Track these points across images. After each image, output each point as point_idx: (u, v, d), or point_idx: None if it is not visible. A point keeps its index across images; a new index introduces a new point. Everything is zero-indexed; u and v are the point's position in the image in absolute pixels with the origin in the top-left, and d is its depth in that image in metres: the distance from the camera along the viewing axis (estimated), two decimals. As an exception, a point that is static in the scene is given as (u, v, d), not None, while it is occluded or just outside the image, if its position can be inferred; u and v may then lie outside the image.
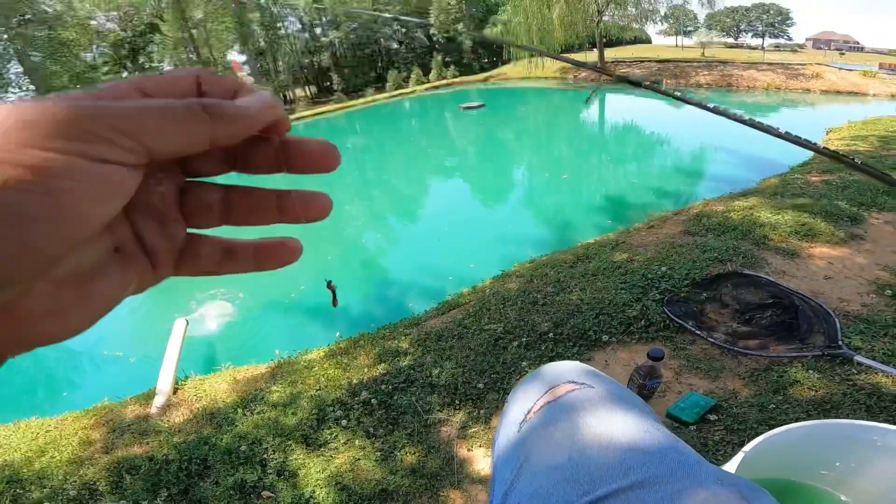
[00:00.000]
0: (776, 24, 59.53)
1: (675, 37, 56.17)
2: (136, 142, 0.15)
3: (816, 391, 1.75)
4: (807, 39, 68.69)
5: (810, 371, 1.85)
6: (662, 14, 23.97)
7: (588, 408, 0.46)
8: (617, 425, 0.44)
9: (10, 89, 25.21)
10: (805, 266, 2.72)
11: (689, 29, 59.25)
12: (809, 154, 6.56)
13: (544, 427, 0.46)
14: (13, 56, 24.27)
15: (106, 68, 29.29)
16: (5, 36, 23.37)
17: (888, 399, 1.65)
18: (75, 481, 2.02)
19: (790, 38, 60.81)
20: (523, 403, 0.52)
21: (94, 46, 28.37)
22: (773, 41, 59.95)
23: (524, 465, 0.44)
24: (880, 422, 0.78)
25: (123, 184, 0.15)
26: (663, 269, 2.77)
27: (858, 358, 1.84)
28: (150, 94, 0.18)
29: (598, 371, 0.56)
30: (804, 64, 18.73)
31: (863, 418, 1.40)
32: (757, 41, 60.37)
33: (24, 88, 25.32)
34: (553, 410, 0.48)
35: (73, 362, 4.89)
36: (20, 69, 24.75)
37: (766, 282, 2.53)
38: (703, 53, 29.41)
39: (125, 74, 31.73)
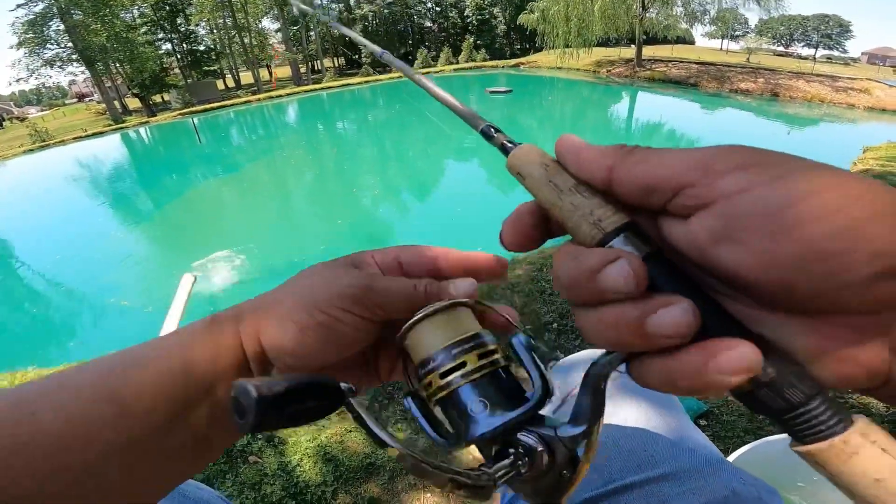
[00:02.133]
0: (833, 36, 56.87)
1: (720, 40, 54.16)
2: (385, 312, 0.26)
3: None
4: (862, 53, 65.55)
5: None
6: (712, 16, 22.95)
7: (624, 398, 0.47)
8: (650, 417, 0.44)
9: (49, 46, 25.65)
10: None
11: (737, 33, 57.02)
12: (857, 154, 6.33)
13: None
14: (56, 14, 24.51)
15: (144, 28, 29.54)
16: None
17: (875, 419, 1.63)
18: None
19: (845, 51, 58.12)
20: (561, 388, 0.52)
21: (136, 7, 28.50)
22: (826, 53, 57.43)
23: None
24: None
25: (370, 332, 0.26)
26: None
27: None
28: (406, 267, 0.29)
29: None
30: (854, 78, 17.89)
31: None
32: (808, 51, 57.91)
33: (63, 46, 25.72)
34: None
35: (81, 312, 5.01)
36: (61, 26, 25.03)
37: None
38: (748, 59, 28.36)
39: (161, 35, 32.00)
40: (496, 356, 0.23)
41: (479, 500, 0.19)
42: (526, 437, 0.20)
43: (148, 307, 4.63)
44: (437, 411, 0.24)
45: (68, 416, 0.19)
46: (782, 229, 0.14)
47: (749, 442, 0.80)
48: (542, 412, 0.22)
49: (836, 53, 57.22)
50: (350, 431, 1.81)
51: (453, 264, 0.29)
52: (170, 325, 3.01)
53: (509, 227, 0.24)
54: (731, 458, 0.80)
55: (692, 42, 47.73)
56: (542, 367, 0.22)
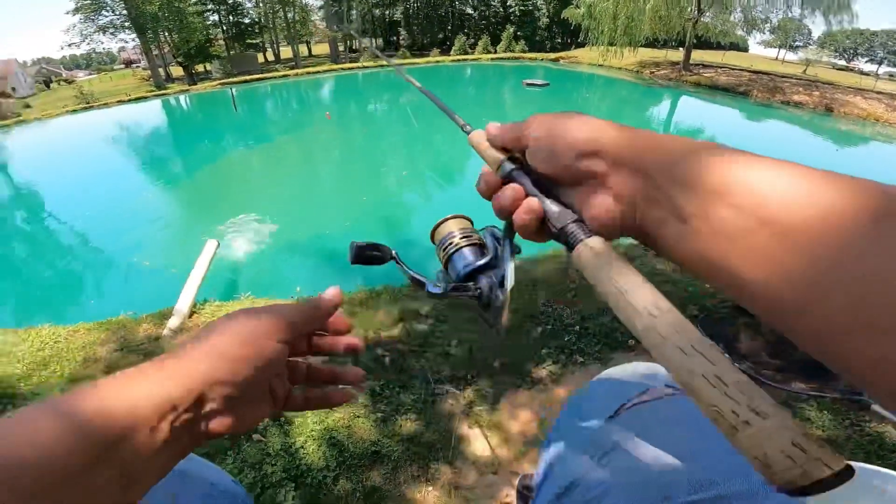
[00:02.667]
0: (899, 52, 53.57)
1: (777, 49, 51.65)
2: (300, 332, 0.34)
3: (823, 430, 1.71)
4: (931, 72, 61.59)
5: (824, 411, 1.79)
6: (774, 24, 21.75)
7: (687, 416, 0.47)
8: (707, 439, 0.44)
9: (104, 13, 26.41)
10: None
11: (797, 44, 54.24)
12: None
13: (638, 426, 0.47)
14: None
15: None
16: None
17: (888, 448, 1.61)
18: None
19: (914, 69, 54.62)
20: (614, 398, 0.52)
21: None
22: (890, 69, 54.08)
23: (608, 459, 0.45)
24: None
25: (287, 352, 0.33)
26: (708, 285, 2.62)
27: (875, 406, 1.78)
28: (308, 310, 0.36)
29: None
30: (918, 97, 16.79)
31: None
32: (871, 67, 54.65)
33: (118, 13, 26.45)
34: (650, 411, 0.48)
35: (105, 270, 5.10)
36: None
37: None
38: (804, 71, 26.93)
39: (209, 6, 32.53)
40: (475, 237, 0.40)
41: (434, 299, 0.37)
42: (482, 278, 0.37)
43: (171, 268, 4.71)
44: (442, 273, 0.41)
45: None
46: (550, 146, 0.30)
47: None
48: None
49: (902, 70, 53.84)
50: (358, 417, 1.77)
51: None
52: (191, 287, 3.06)
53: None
54: None
55: (745, 49, 45.67)
56: (498, 244, 0.37)
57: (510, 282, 0.34)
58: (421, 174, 8.15)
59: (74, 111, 21.21)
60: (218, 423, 0.29)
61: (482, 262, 0.37)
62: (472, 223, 0.42)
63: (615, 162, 0.27)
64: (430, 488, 1.54)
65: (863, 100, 16.17)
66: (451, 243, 0.39)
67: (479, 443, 1.69)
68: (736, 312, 2.42)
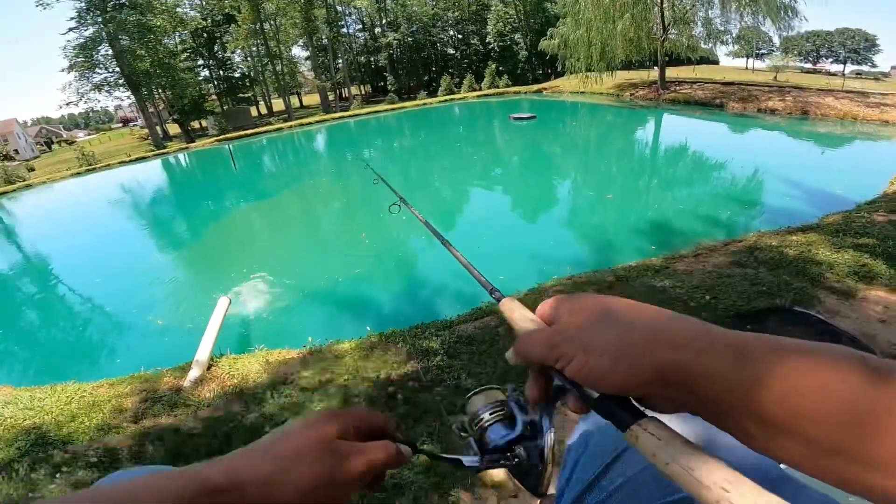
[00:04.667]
0: (860, 51, 55.44)
1: (745, 59, 53.42)
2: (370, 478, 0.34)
3: None
4: (892, 67, 63.45)
5: None
6: (734, 35, 22.69)
7: (694, 426, 0.47)
8: (718, 435, 0.47)
9: (98, 70, 27.56)
10: (860, 308, 2.58)
11: (762, 52, 56.18)
12: (879, 191, 6.13)
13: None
14: (105, 39, 26.36)
15: (184, 55, 31.47)
16: (100, 19, 25.46)
17: None
18: (98, 448, 2.08)
19: (874, 66, 56.40)
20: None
21: (177, 33, 30.42)
22: (855, 68, 55.89)
23: (625, 454, 0.47)
24: None
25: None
26: (707, 297, 2.71)
27: None
28: (358, 431, 0.35)
29: None
30: (886, 93, 17.30)
31: None
32: (837, 67, 56.45)
33: (111, 70, 27.60)
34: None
35: (121, 330, 5.19)
36: (109, 51, 26.89)
37: (815, 320, 2.43)
38: (775, 77, 27.89)
39: (199, 62, 34.00)
40: (502, 412, 0.40)
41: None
42: (519, 448, 0.37)
43: (185, 326, 4.81)
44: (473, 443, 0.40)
45: None
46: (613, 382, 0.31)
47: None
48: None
49: (865, 68, 55.54)
50: None
51: (391, 427, 0.39)
52: (207, 341, 3.17)
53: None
54: None
55: (716, 62, 47.26)
56: (524, 416, 0.38)
57: (548, 452, 0.35)
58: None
59: (78, 174, 21.73)
60: None
61: (513, 436, 0.37)
62: (502, 392, 0.43)
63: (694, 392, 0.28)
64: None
65: (834, 100, 16.62)
66: (481, 419, 0.39)
67: (496, 470, 1.73)
68: (740, 322, 2.50)
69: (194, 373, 2.72)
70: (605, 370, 0.29)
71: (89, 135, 57.63)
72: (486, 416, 0.39)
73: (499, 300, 0.45)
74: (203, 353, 2.96)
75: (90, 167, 22.63)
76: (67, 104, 28.75)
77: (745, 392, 0.25)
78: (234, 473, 0.28)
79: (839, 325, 2.37)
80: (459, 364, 2.38)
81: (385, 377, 2.34)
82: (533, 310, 0.39)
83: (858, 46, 55.96)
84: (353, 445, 0.33)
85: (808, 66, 56.75)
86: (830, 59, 58.85)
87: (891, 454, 0.21)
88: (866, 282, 2.82)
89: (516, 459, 0.36)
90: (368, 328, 3.64)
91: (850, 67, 56.14)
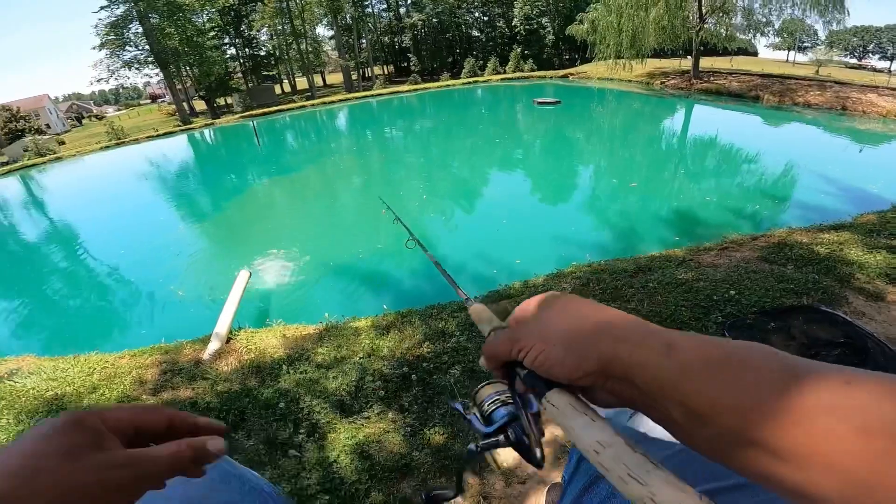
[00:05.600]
0: (910, 48, 52.37)
1: (786, 52, 51.09)
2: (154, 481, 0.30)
3: None
4: (944, 66, 59.84)
5: None
6: (776, 27, 21.56)
7: None
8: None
9: (128, 48, 28.04)
10: (888, 310, 2.49)
11: (805, 45, 53.55)
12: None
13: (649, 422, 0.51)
14: (135, 17, 26.74)
15: (212, 33, 31.71)
16: (131, -3, 25.81)
17: None
18: None
19: (925, 63, 53.26)
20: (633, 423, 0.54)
21: (205, 12, 30.61)
22: (903, 65, 52.86)
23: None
24: None
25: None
26: (732, 292, 2.65)
27: None
28: (140, 429, 0.32)
29: None
30: (935, 92, 16.33)
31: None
32: (884, 64, 53.55)
33: (141, 48, 28.07)
34: None
35: (143, 301, 5.31)
36: (139, 29, 27.29)
37: (841, 321, 2.36)
38: (817, 72, 26.58)
39: (226, 40, 34.23)
40: (500, 399, 0.43)
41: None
42: (509, 429, 0.39)
43: (205, 298, 4.92)
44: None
45: None
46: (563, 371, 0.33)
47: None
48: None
49: (914, 65, 52.49)
50: (388, 432, 1.84)
51: (184, 425, 0.34)
52: (227, 314, 3.21)
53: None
54: None
55: (755, 54, 45.31)
56: (517, 405, 0.40)
57: (526, 425, 0.38)
58: (442, 197, 8.31)
59: (107, 147, 22.31)
60: None
61: (503, 421, 0.42)
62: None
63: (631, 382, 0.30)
64: (460, 499, 1.57)
65: (878, 96, 15.76)
66: (482, 407, 0.44)
67: (504, 454, 1.72)
68: (764, 318, 2.46)
69: (214, 345, 2.75)
70: (557, 358, 0.32)
71: (119, 110, 58.86)
72: (486, 405, 0.44)
73: (469, 306, 0.49)
74: (222, 326, 3.00)
75: (119, 141, 23.18)
76: (98, 81, 29.59)
77: (671, 381, 0.26)
78: None
79: (864, 328, 2.30)
80: (474, 347, 2.37)
81: (400, 357, 2.34)
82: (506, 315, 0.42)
83: (909, 43, 52.83)
84: (110, 457, 0.27)
85: (854, 61, 53.99)
86: (878, 56, 55.85)
87: (799, 445, 0.22)
88: (899, 284, 2.73)
89: (508, 439, 0.39)
90: (385, 306, 3.68)
91: (896, 64, 53.10)
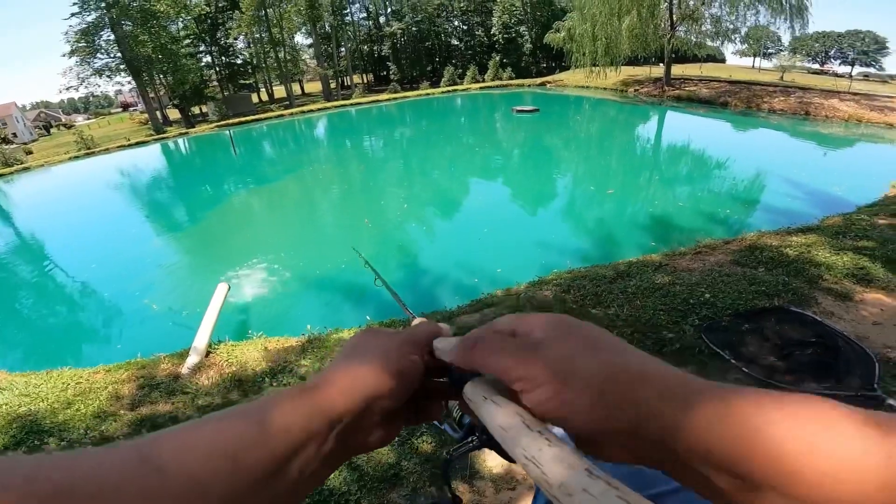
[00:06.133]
0: (869, 53, 55.12)
1: (752, 58, 53.15)
2: (424, 351, 0.35)
3: None
4: (900, 70, 63.23)
5: None
6: (743, 34, 22.45)
7: None
8: None
9: (99, 55, 27.27)
10: (855, 310, 2.60)
11: (769, 51, 55.81)
12: (880, 194, 6.15)
13: None
14: (107, 24, 26.07)
15: (187, 41, 31.17)
16: (103, 4, 25.14)
17: None
18: (95, 435, 2.06)
19: (882, 68, 56.12)
20: None
21: (180, 19, 30.09)
22: (863, 70, 55.65)
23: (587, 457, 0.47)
24: None
25: (421, 374, 0.34)
26: (707, 295, 2.73)
27: (891, 401, 1.80)
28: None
29: None
30: (892, 96, 17.24)
31: None
32: (845, 69, 56.16)
33: (112, 55, 27.33)
34: None
35: (118, 316, 5.16)
36: (111, 37, 26.61)
37: (811, 320, 2.45)
38: (781, 77, 27.75)
39: (202, 48, 33.70)
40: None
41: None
42: (478, 431, 0.38)
43: (182, 311, 4.80)
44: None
45: (189, 472, 0.22)
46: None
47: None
48: None
49: (873, 70, 55.35)
50: None
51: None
52: (206, 328, 3.15)
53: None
54: None
55: (723, 60, 47.01)
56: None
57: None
58: (422, 206, 8.32)
59: (77, 157, 21.60)
60: (374, 436, 0.32)
61: (466, 427, 0.43)
62: None
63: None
64: (456, 506, 1.60)
65: (839, 101, 16.58)
66: (452, 415, 0.45)
67: (494, 460, 1.75)
68: (738, 320, 2.53)
69: (192, 359, 2.71)
70: (580, 407, 0.25)
71: (88, 119, 57.17)
72: (455, 411, 0.44)
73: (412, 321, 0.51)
74: (201, 339, 2.94)
75: (89, 151, 22.49)
76: (68, 88, 28.56)
77: (728, 449, 0.22)
78: (362, 397, 0.30)
79: (834, 327, 2.39)
80: (459, 355, 2.38)
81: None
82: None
83: (868, 48, 55.63)
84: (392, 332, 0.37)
85: (816, 66, 56.49)
86: (839, 61, 58.56)
87: None
88: (864, 284, 2.84)
89: (480, 440, 0.39)
90: (368, 317, 3.66)
91: (857, 69, 55.84)
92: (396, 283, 5.07)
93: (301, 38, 40.43)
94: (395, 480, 1.68)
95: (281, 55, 33.28)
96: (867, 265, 3.04)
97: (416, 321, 0.47)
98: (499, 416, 0.27)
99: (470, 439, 0.39)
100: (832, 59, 58.71)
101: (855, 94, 17.98)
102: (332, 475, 1.67)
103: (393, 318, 3.09)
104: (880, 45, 55.21)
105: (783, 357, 2.20)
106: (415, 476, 1.69)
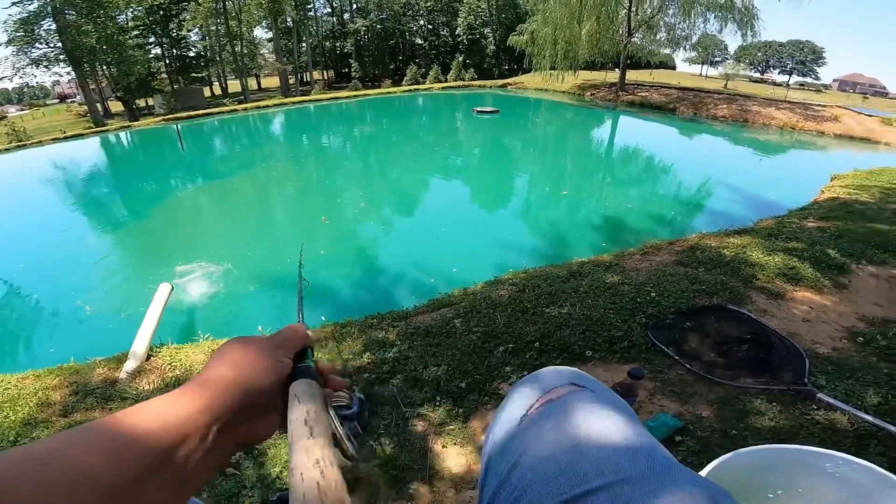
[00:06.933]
0: (807, 63, 59.37)
1: (700, 65, 56.15)
2: (295, 350, 0.41)
3: (777, 422, 1.82)
4: (833, 80, 68.58)
5: (773, 403, 1.92)
6: (693, 42, 23.62)
7: (584, 409, 0.50)
8: (609, 426, 0.47)
9: (38, 45, 25.12)
10: (787, 307, 2.80)
11: (716, 59, 59.10)
12: (810, 199, 6.65)
13: (542, 424, 0.49)
14: (49, 13, 24.09)
15: (136, 32, 29.27)
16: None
17: (840, 434, 1.73)
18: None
19: (817, 78, 60.70)
20: (523, 401, 0.54)
21: (130, 9, 28.24)
22: (800, 79, 60.03)
23: (521, 459, 0.47)
24: None
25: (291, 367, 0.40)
26: (653, 294, 2.84)
27: (821, 395, 1.93)
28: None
29: (596, 378, 0.59)
30: (825, 105, 18.66)
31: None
32: (783, 78, 60.32)
33: (52, 45, 25.23)
34: (552, 409, 0.51)
35: (51, 319, 4.81)
36: (53, 26, 24.59)
37: (747, 318, 2.61)
38: (725, 85, 29.54)
39: (151, 39, 31.75)
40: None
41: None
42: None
43: (120, 313, 4.52)
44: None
45: (73, 465, 0.25)
46: None
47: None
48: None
49: (809, 80, 59.85)
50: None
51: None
52: (145, 330, 2.99)
53: None
54: (705, 470, 0.83)
55: (674, 67, 49.45)
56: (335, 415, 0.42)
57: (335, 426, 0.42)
58: (379, 206, 8.22)
59: (7, 150, 19.82)
60: (254, 429, 0.36)
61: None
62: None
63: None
64: (407, 507, 1.57)
65: (776, 110, 17.82)
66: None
67: (452, 460, 1.75)
68: (681, 318, 2.65)
69: (131, 364, 2.58)
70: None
71: (22, 110, 52.59)
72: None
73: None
74: (141, 343, 2.79)
75: (20, 143, 20.68)
76: (1, 79, 26.22)
77: None
78: (241, 392, 0.34)
79: (767, 324, 2.55)
80: (416, 356, 2.37)
81: (341, 369, 2.30)
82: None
83: (806, 58, 59.75)
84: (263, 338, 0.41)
85: (757, 75, 60.28)
86: (778, 70, 62.79)
87: None
88: (793, 283, 3.06)
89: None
90: (323, 318, 3.56)
91: (795, 78, 60.11)
92: (353, 283, 5.00)
93: (260, 32, 39.02)
94: (352, 484, 1.65)
95: (238, 49, 31.91)
96: (797, 265, 3.27)
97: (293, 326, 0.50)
98: (292, 412, 0.34)
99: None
100: (772, 69, 62.96)
101: (791, 102, 19.40)
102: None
103: (349, 318, 3.03)
104: (817, 55, 59.66)
105: (722, 353, 2.32)
106: (373, 479, 1.67)
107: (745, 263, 3.33)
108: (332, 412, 0.43)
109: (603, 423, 0.48)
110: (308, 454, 0.30)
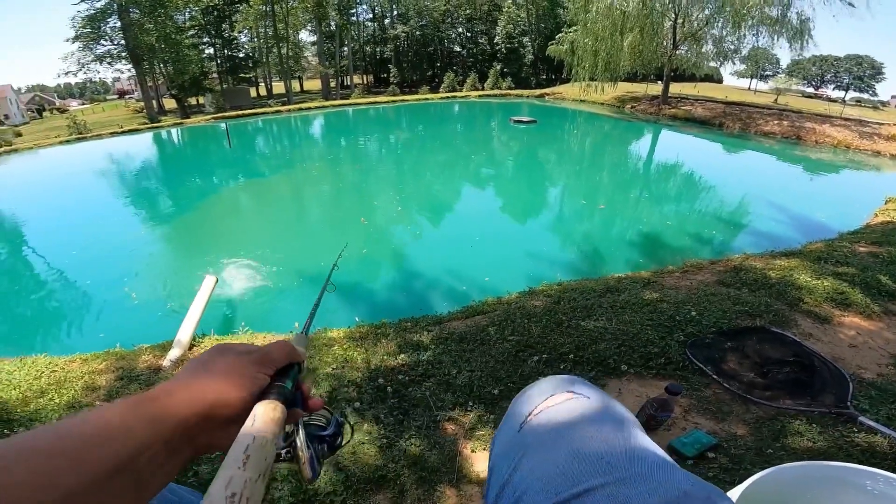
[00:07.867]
0: (864, 78, 56.04)
1: (749, 79, 53.83)
2: (277, 367, 0.43)
3: (814, 443, 1.77)
4: (892, 97, 64.44)
5: (813, 425, 1.87)
6: (743, 55, 22.67)
7: (583, 414, 0.53)
8: (606, 430, 0.50)
9: (102, 42, 26.92)
10: (833, 332, 2.68)
11: (767, 73, 56.55)
12: (862, 222, 6.30)
13: (543, 428, 0.53)
14: (115, 11, 25.71)
15: (191, 32, 30.90)
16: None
17: (880, 456, 1.68)
18: None
19: (875, 94, 57.07)
20: (525, 407, 0.58)
21: (187, 10, 29.86)
22: (856, 95, 56.61)
23: (522, 461, 0.50)
24: None
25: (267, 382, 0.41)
26: (693, 313, 2.79)
27: (862, 419, 1.86)
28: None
29: (594, 385, 0.62)
30: (882, 123, 17.51)
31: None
32: (838, 93, 57.01)
33: (116, 42, 26.96)
34: (552, 414, 0.54)
35: (99, 305, 5.05)
36: (118, 24, 26.22)
37: (790, 341, 2.52)
38: (776, 100, 28.22)
39: (205, 39, 33.47)
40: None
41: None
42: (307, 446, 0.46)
43: (167, 303, 4.73)
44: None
45: (33, 468, 0.26)
46: None
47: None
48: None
49: (865, 96, 56.29)
50: (362, 443, 1.83)
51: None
52: (191, 320, 3.15)
53: None
54: (745, 483, 0.83)
55: (720, 80, 47.70)
56: (304, 437, 0.46)
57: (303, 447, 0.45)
58: (414, 211, 8.33)
59: (67, 141, 21.24)
60: (218, 438, 0.36)
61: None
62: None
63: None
64: (435, 509, 1.59)
65: (831, 127, 16.80)
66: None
67: (481, 464, 1.75)
68: (721, 337, 2.59)
69: (175, 353, 2.67)
70: None
71: (83, 105, 56.36)
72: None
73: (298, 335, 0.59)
74: (185, 332, 2.91)
75: (80, 136, 22.13)
76: (66, 73, 28.24)
77: None
78: (206, 404, 0.36)
79: (811, 348, 2.47)
80: (449, 360, 2.40)
81: (375, 368, 2.34)
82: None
83: (864, 74, 56.19)
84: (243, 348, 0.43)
85: (811, 90, 57.10)
86: (833, 85, 59.34)
87: None
88: (842, 308, 2.93)
89: (288, 454, 0.46)
90: (357, 318, 3.65)
91: (851, 94, 56.63)
92: (386, 285, 5.09)
93: (305, 36, 40.41)
94: (381, 482, 1.67)
95: (284, 51, 33.18)
96: (846, 290, 3.13)
97: (290, 338, 0.53)
98: (241, 433, 0.34)
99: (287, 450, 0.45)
100: (827, 84, 59.62)
101: (847, 119, 18.28)
102: (322, 476, 1.68)
103: (384, 319, 3.10)
104: (876, 71, 56.10)
105: (762, 374, 2.26)
106: (402, 478, 1.69)
107: (792, 286, 3.21)
108: (302, 433, 0.45)
109: (600, 427, 0.51)
110: (228, 485, 0.29)
